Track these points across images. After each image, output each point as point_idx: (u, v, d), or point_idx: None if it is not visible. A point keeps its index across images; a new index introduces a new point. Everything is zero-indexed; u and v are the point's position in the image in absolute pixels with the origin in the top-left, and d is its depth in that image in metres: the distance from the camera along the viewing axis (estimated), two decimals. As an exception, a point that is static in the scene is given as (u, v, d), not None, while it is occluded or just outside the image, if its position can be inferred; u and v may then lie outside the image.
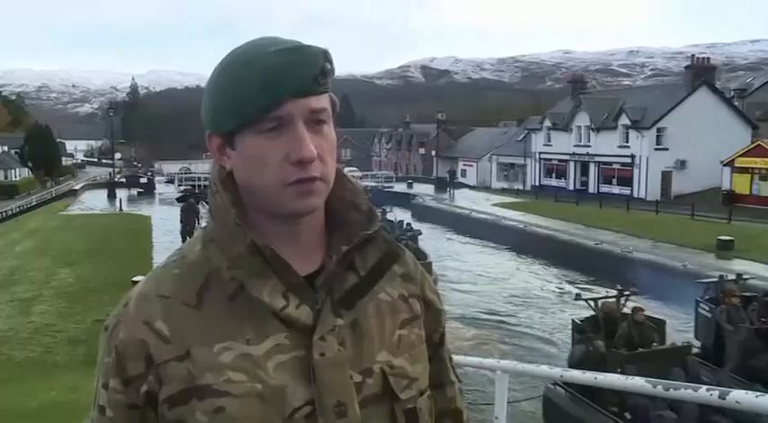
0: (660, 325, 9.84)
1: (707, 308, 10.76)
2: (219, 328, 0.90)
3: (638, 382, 2.30)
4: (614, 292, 10.14)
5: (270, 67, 0.87)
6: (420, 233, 21.99)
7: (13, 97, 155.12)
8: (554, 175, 51.37)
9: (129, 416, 0.92)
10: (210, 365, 0.88)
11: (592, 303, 9.77)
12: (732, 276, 11.82)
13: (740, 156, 36.58)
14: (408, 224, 23.59)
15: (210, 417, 0.87)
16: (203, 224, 1.02)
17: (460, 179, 58.34)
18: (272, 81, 0.87)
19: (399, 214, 27.90)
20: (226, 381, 0.88)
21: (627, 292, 10.03)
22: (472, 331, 16.41)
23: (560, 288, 21.60)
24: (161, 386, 0.89)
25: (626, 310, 9.77)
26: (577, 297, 10.35)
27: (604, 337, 9.07)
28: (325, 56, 0.90)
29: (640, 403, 7.99)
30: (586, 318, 10.08)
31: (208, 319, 0.91)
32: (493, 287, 21.69)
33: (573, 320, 10.46)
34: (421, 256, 18.48)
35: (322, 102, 0.91)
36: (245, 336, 0.90)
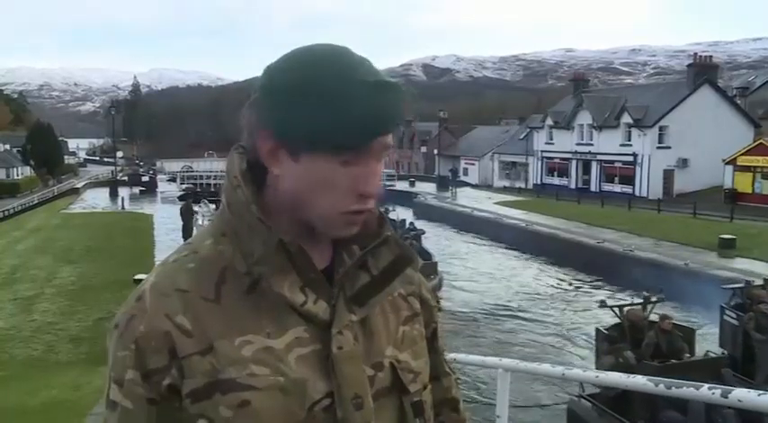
0: (689, 334, 9.26)
1: (734, 315, 10.12)
2: (239, 322, 0.91)
3: (640, 381, 2.30)
4: (640, 299, 9.62)
5: (371, 105, 0.86)
6: (423, 232, 21.89)
7: (15, 96, 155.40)
8: (556, 173, 51.35)
9: (149, 408, 0.90)
10: (233, 359, 0.89)
11: (617, 311, 9.27)
12: (759, 282, 11.13)
13: (742, 154, 36.55)
14: (411, 223, 23.34)
15: (235, 411, 0.87)
16: (200, 223, 1.01)
17: (462, 178, 58.30)
18: (372, 121, 0.87)
19: (401, 213, 27.88)
20: (249, 374, 0.88)
21: (654, 299, 9.52)
22: (473, 328, 16.40)
23: (563, 286, 21.61)
24: (183, 380, 0.89)
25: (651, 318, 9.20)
26: (602, 304, 9.78)
27: (630, 347, 8.58)
28: (407, 94, 0.91)
29: (673, 418, 7.50)
30: (611, 326, 9.50)
31: (227, 312, 0.91)
32: (496, 286, 21.68)
33: (597, 329, 9.79)
34: (426, 256, 18.39)
35: (392, 137, 0.93)
36: (264, 329, 0.91)
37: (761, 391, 1.92)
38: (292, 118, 0.88)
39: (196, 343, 0.89)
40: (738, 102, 45.33)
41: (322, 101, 0.87)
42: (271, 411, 0.88)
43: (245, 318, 0.91)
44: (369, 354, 0.96)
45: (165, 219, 32.00)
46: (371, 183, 0.91)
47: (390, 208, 26.45)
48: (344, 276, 0.96)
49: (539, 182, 52.25)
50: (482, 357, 3.90)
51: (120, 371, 0.91)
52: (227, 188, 0.95)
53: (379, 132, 0.88)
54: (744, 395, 1.92)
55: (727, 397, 1.95)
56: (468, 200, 42.22)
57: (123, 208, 40.74)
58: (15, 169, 64.99)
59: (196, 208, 23.00)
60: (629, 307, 9.43)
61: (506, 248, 28.66)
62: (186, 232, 20.40)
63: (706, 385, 2.08)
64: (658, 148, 41.38)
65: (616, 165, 44.55)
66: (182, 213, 21.19)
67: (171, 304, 0.90)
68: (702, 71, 42.19)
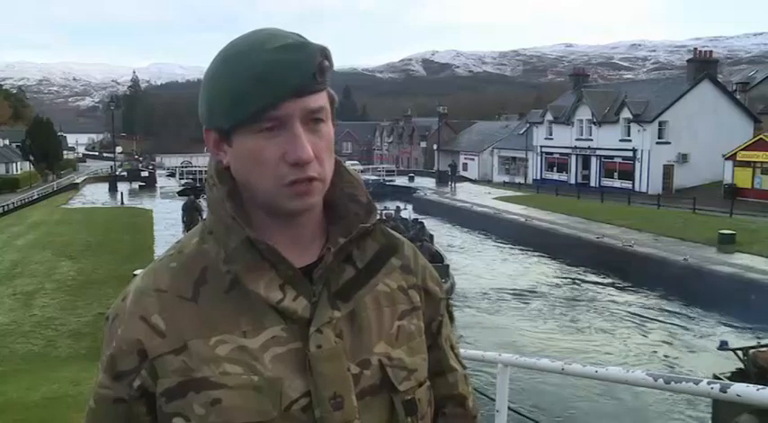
0: None
1: None
2: (215, 321, 0.91)
3: (639, 376, 2.30)
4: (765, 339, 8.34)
5: (268, 67, 0.86)
6: (431, 235, 21.53)
7: (15, 91, 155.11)
8: (555, 168, 51.31)
9: (113, 409, 0.93)
10: (206, 358, 0.89)
11: (740, 354, 8.01)
12: None
13: (742, 149, 36.49)
14: (421, 222, 22.69)
15: (207, 409, 0.88)
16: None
17: (462, 173, 58.30)
18: (271, 81, 0.85)
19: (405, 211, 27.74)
20: (222, 373, 0.88)
21: None
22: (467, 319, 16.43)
23: (565, 282, 21.62)
24: (157, 380, 0.90)
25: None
26: (723, 346, 8.27)
27: None
28: (323, 53, 0.88)
29: None
30: (734, 373, 7.99)
31: (204, 311, 0.91)
32: (497, 281, 21.68)
33: (715, 376, 8.03)
34: (437, 258, 18.07)
35: (320, 100, 0.90)
36: (241, 328, 0.90)
37: (760, 387, 1.92)
38: (209, 103, 0.91)
39: (169, 343, 0.90)
40: (738, 97, 45.28)
41: (226, 77, 0.88)
42: (243, 410, 0.88)
43: (221, 317, 0.91)
44: (355, 351, 0.94)
45: (164, 214, 32.02)
46: (299, 148, 0.87)
47: (402, 207, 26.31)
48: (327, 271, 0.94)
49: (538, 177, 52.20)
50: (481, 352, 3.91)
51: (98, 373, 0.95)
52: (207, 188, 0.97)
53: (284, 93, 0.86)
54: (743, 390, 1.92)
55: (725, 392, 1.95)
56: (468, 195, 42.21)
57: (123, 203, 40.70)
58: (15, 164, 64.87)
59: (202, 204, 22.50)
60: (755, 349, 8.03)
61: (506, 243, 28.66)
62: (189, 230, 19.84)
63: (705, 380, 2.07)
64: (658, 143, 41.34)
65: (616, 160, 44.51)
66: (185, 209, 20.17)
67: (148, 305, 0.92)
68: (702, 66, 42.13)
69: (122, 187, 49.71)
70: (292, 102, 0.87)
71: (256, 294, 0.90)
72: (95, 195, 48.79)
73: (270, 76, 0.85)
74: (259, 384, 0.88)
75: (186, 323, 0.91)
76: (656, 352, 14.63)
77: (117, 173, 59.22)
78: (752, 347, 8.10)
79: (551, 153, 51.34)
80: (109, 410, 0.94)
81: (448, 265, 18.34)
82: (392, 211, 23.76)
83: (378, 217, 1.00)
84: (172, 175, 66.02)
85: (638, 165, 42.49)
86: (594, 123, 45.81)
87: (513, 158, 57.80)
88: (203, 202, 23.15)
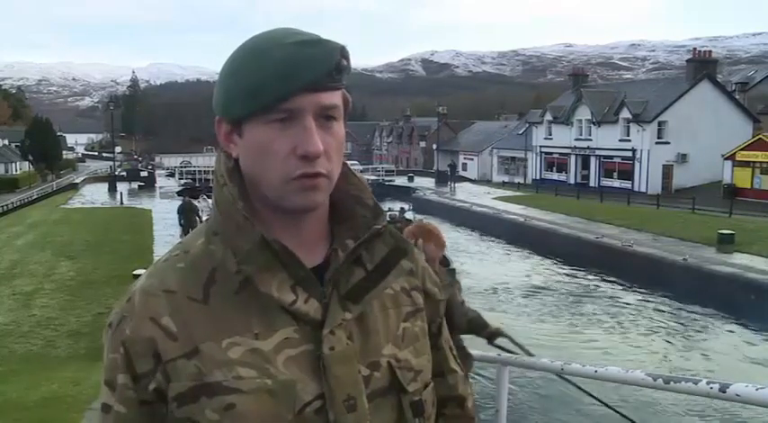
0: None
1: None
2: (227, 323, 0.89)
3: (638, 376, 2.30)
4: None
5: (286, 58, 0.86)
6: None
7: (14, 91, 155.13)
8: (555, 168, 51.31)
9: (142, 411, 0.91)
10: (219, 362, 0.87)
11: None
12: None
13: (741, 149, 36.51)
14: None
15: (221, 414, 0.86)
16: (205, 218, 1.00)
17: (461, 173, 58.32)
18: (287, 72, 0.86)
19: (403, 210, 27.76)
20: (235, 377, 0.87)
21: None
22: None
23: (564, 282, 21.62)
24: (169, 384, 0.88)
25: None
26: None
27: None
28: (342, 52, 0.89)
29: None
30: None
31: (215, 313, 0.90)
32: (496, 280, 21.68)
33: None
34: (444, 262, 18.02)
35: (334, 98, 0.90)
36: (252, 330, 0.89)
37: (759, 385, 1.92)
38: (225, 93, 0.92)
39: (181, 346, 0.88)
40: (738, 97, 45.28)
41: (245, 66, 0.89)
42: (257, 414, 0.86)
43: (233, 319, 0.90)
44: (365, 353, 0.94)
45: (163, 214, 31.99)
46: (309, 141, 0.87)
47: (407, 208, 26.23)
48: (337, 273, 0.94)
49: (537, 177, 52.20)
50: (481, 352, 3.92)
51: (110, 374, 0.92)
52: (214, 187, 0.96)
53: (300, 85, 0.86)
54: (742, 390, 1.92)
55: (725, 392, 1.95)
56: (467, 195, 42.21)
57: (122, 203, 40.69)
58: (14, 164, 64.83)
59: (199, 205, 22.28)
60: None
61: (505, 243, 28.66)
62: (187, 233, 19.57)
63: (704, 380, 2.07)
64: (657, 143, 41.35)
65: (615, 160, 44.51)
66: (181, 212, 19.68)
67: (157, 306, 0.90)
68: (702, 66, 42.13)
69: (122, 187, 49.70)
70: (307, 95, 0.87)
71: (268, 296, 0.89)
72: (95, 195, 48.76)
73: (287, 69, 0.86)
74: (273, 388, 0.87)
75: (197, 325, 0.89)
76: (656, 352, 14.62)
77: (116, 173, 59.18)
78: None
79: (551, 153, 51.34)
80: (138, 413, 0.90)
81: (454, 270, 18.20)
82: (396, 213, 23.75)
83: (386, 219, 1.00)
84: (171, 175, 66.10)
85: (637, 165, 42.50)
86: (594, 123, 45.81)
87: (513, 158, 57.79)
88: (199, 204, 23.31)
